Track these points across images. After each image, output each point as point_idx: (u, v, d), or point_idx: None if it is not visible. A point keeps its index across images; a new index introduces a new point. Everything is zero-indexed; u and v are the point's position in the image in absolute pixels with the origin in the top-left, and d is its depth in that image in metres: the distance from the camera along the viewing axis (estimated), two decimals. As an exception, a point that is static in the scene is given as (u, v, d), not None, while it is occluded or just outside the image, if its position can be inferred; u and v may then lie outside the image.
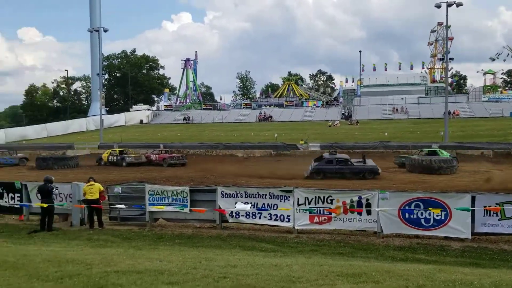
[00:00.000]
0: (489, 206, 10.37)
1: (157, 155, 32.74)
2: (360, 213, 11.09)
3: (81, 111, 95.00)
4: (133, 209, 13.06)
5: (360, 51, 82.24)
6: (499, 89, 77.42)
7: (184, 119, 75.56)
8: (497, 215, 10.32)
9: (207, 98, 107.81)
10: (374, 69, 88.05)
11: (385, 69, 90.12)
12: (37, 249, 8.84)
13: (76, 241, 10.81)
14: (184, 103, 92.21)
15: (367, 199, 11.10)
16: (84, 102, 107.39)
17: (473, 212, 10.38)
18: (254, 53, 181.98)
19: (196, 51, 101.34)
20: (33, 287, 5.01)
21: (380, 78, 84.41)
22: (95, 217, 12.81)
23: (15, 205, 13.89)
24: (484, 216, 10.37)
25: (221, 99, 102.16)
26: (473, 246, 10.13)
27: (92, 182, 12.84)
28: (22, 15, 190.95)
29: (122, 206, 12.91)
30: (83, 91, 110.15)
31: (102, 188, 12.86)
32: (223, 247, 10.18)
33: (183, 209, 12.40)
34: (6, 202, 14.02)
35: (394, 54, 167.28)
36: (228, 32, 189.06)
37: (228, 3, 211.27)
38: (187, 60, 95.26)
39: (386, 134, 46.85)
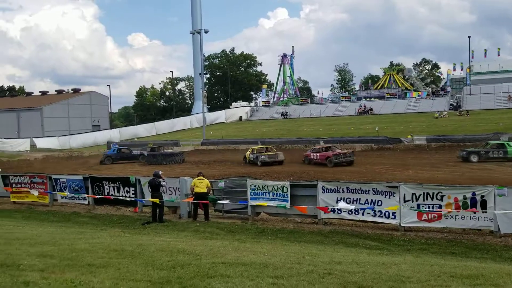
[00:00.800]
0: None
1: (318, 154, 27.84)
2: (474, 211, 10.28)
3: (185, 110, 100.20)
4: (236, 202, 13.47)
5: (469, 37, 76.16)
6: None
7: (282, 114, 76.12)
8: None
9: (304, 93, 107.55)
10: (486, 55, 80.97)
11: (498, 55, 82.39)
12: (151, 239, 9.47)
13: (185, 233, 11.41)
14: (282, 99, 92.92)
15: (482, 196, 10.24)
16: (187, 101, 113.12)
17: None
18: (353, 45, 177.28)
19: (292, 46, 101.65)
20: (149, 275, 5.33)
21: (492, 65, 77.42)
22: (200, 210, 13.46)
23: (131, 198, 15.06)
24: None
25: (318, 93, 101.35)
26: None
27: (202, 177, 13.49)
28: (130, 22, 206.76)
29: (227, 202, 13.40)
30: (187, 90, 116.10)
31: (209, 185, 13.45)
32: (326, 243, 10.06)
33: (284, 205, 12.48)
34: (122, 195, 15.27)
35: (508, 38, 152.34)
36: (324, 24, 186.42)
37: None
38: (283, 56, 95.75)
39: (501, 124, 42.93)
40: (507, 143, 26.19)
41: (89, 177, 16.43)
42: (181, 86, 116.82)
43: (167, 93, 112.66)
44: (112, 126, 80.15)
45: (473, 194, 10.31)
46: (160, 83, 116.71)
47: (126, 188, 15.26)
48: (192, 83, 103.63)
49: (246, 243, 9.37)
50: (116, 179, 15.83)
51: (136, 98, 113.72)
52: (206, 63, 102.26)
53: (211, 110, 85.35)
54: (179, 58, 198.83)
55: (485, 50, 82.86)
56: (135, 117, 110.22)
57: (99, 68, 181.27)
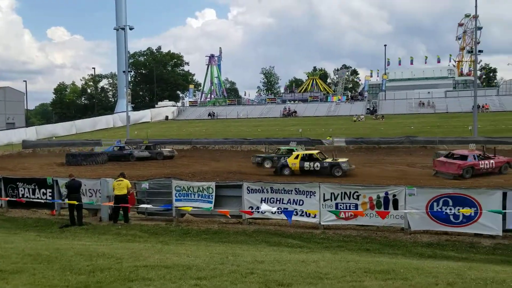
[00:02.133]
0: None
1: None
2: (387, 209, 10.97)
3: (108, 108, 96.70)
4: (160, 203, 13.27)
5: (385, 45, 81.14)
6: (531, 82, 75.06)
7: (209, 114, 76.01)
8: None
9: (231, 94, 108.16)
10: (400, 63, 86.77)
11: (411, 63, 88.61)
12: (69, 243, 9.09)
13: (106, 236, 11.06)
14: (209, 99, 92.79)
15: (394, 195, 10.97)
16: (111, 99, 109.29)
17: (504, 208, 10.12)
18: (278, 48, 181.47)
19: (220, 47, 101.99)
20: (66, 280, 5.15)
21: (406, 72, 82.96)
22: (121, 213, 13.11)
23: (47, 201, 14.28)
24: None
25: (245, 95, 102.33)
26: (504, 244, 9.90)
27: (121, 178, 13.13)
28: (50, 15, 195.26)
29: (149, 206, 13.13)
30: (110, 88, 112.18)
31: (129, 185, 13.10)
32: (249, 243, 10.24)
33: (209, 207, 12.50)
34: (38, 197, 14.44)
35: (421, 47, 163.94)
36: (252, 27, 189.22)
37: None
38: (211, 56, 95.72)
39: (412, 127, 46.14)
40: (296, 148, 27.39)
41: (1, 178, 15.35)
42: (104, 83, 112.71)
43: (89, 91, 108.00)
44: (28, 124, 75.31)
45: (386, 193, 11.02)
46: (81, 80, 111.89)
47: (43, 190, 14.46)
48: (115, 80, 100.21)
49: (169, 245, 9.29)
50: (31, 180, 14.94)
51: (55, 95, 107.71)
52: (131, 61, 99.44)
53: (135, 109, 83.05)
54: (102, 54, 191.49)
55: (399, 58, 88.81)
56: (53, 115, 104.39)
57: (15, 62, 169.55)
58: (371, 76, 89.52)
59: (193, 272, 5.61)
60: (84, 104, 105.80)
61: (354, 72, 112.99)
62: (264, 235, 11.08)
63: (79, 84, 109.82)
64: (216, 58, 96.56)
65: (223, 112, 76.79)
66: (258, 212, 12.05)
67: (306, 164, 22.26)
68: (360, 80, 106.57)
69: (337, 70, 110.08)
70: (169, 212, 13.11)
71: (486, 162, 20.88)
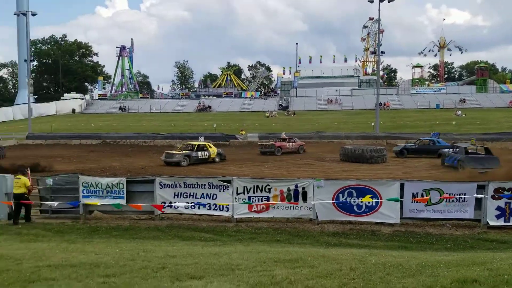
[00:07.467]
0: (416, 193, 11.02)
1: None
2: (296, 201, 11.39)
3: (8, 100, 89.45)
4: (66, 200, 12.54)
5: (297, 44, 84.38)
6: (426, 82, 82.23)
7: (120, 108, 73.34)
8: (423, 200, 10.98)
9: (144, 87, 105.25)
10: (310, 61, 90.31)
11: (321, 62, 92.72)
12: (-40, 246, 8.31)
13: (4, 236, 10.26)
14: (120, 92, 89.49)
15: (303, 187, 11.41)
16: (11, 89, 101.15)
17: (402, 198, 10.98)
18: (193, 43, 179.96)
19: (132, 39, 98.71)
20: (-44, 286, 4.72)
21: (315, 70, 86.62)
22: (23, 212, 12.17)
23: None
24: (412, 202, 11.01)
25: (158, 89, 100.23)
26: (401, 231, 10.73)
27: (19, 176, 12.14)
28: None
29: (54, 204, 12.25)
30: (10, 78, 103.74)
31: (28, 184, 12.11)
32: (162, 238, 10.09)
33: (119, 203, 12.06)
34: None
35: (332, 47, 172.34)
36: (166, 20, 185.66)
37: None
38: (122, 48, 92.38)
39: (320, 123, 48.25)
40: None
41: None
42: (3, 72, 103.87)
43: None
44: None
45: (296, 186, 11.44)
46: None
47: None
48: (16, 70, 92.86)
49: (76, 244, 8.86)
50: None
51: None
52: (33, 49, 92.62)
53: (39, 101, 77.75)
54: (2, 41, 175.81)
55: (310, 57, 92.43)
56: None
57: None
58: (284, 73, 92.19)
59: (101, 269, 5.43)
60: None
61: (268, 69, 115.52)
62: (177, 230, 10.97)
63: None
64: (127, 49, 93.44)
65: (135, 106, 74.57)
66: (171, 207, 11.89)
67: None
68: (273, 76, 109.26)
69: (252, 66, 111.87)
70: (76, 210, 12.46)
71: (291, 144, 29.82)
